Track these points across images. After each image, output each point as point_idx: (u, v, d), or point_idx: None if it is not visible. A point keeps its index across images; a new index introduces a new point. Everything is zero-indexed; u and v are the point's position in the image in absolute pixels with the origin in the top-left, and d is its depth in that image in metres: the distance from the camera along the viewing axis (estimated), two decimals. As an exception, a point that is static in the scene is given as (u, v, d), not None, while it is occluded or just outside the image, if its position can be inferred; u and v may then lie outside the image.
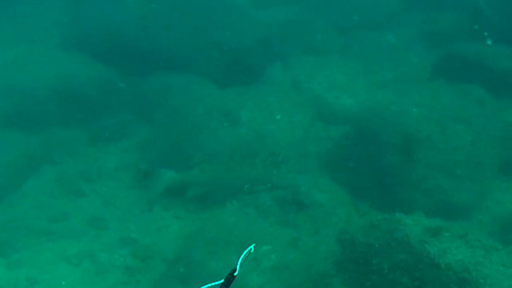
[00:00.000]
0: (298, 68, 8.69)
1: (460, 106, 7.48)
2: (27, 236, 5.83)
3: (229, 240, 5.28)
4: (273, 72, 8.52)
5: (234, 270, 1.02)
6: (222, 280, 1.00)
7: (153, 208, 6.84)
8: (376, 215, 5.51)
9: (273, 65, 8.64)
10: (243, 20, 8.77)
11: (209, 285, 1.01)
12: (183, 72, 8.11)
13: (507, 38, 10.40)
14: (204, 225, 6.00)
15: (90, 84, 7.79)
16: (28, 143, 7.20)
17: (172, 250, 5.76)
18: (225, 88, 7.83)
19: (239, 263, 1.06)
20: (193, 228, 6.10)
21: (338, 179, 6.56)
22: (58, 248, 5.71)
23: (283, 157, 6.81)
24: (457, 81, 8.60)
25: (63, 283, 5.29)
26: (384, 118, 7.42)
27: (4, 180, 6.54)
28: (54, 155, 7.42)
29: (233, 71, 8.27)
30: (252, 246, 1.18)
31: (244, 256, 1.12)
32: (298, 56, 9.06)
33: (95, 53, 8.29)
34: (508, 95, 8.20)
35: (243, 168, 6.73)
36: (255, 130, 7.22)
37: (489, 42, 10.86)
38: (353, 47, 9.73)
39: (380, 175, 6.36)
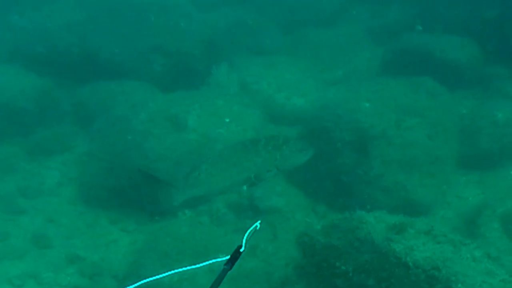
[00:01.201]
0: (245, 70, 8.63)
1: (413, 100, 7.42)
2: (-36, 259, 5.51)
3: (183, 251, 5.13)
4: (220, 74, 8.42)
5: (240, 247, 1.06)
6: (228, 257, 1.02)
7: (100, 222, 6.57)
8: (336, 215, 5.33)
9: (219, 67, 8.54)
10: (185, 22, 8.53)
11: (216, 260, 1.03)
12: (124, 78, 7.81)
13: (455, 29, 10.96)
14: (155, 237, 5.79)
15: (24, 95, 7.32)
16: (-40, 162, 6.73)
17: (122, 265, 5.57)
18: (170, 93, 7.57)
19: (244, 240, 1.08)
20: (143, 241, 5.89)
21: (294, 181, 6.44)
22: (-1, 270, 5.49)
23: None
24: (408, 74, 8.53)
25: (6, 307, 5.00)
26: (337, 115, 7.43)
27: None
28: (-11, 172, 6.97)
29: (177, 75, 8.08)
30: (258, 223, 1.20)
31: (249, 233, 1.13)
32: (245, 57, 9.00)
33: (27, 63, 7.82)
34: (460, 86, 8.43)
35: (192, 174, 6.62)
36: (203, 135, 7.06)
37: (437, 33, 11.37)
38: (300, 46, 9.73)
39: (336, 174, 6.27)
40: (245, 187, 5.07)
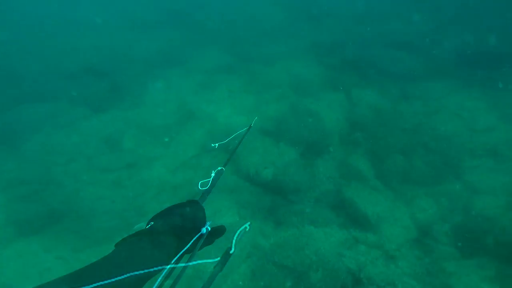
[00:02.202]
0: (183, 89, 8.72)
1: (357, 114, 8.30)
2: None
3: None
4: (156, 94, 8.49)
5: (230, 249, 1.03)
6: (219, 258, 1.01)
7: (32, 249, 6.39)
8: (283, 233, 5.39)
9: (155, 86, 8.61)
10: (118, 42, 8.46)
11: (206, 261, 1.00)
12: (53, 100, 7.60)
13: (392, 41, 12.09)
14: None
15: None
16: None
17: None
18: (104, 113, 7.55)
19: (234, 241, 1.06)
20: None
21: (240, 200, 6.35)
22: None
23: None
24: (351, 87, 9.41)
25: None
26: (281, 131, 8.01)
27: None
28: None
29: (110, 95, 8.02)
30: (247, 225, 1.16)
31: (238, 235, 1.10)
32: (182, 76, 9.08)
33: None
34: (406, 97, 9.21)
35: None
36: (141, 155, 7.22)
37: (378, 46, 12.44)
38: (241, 64, 9.95)
39: (280, 189, 6.43)
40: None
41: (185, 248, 0.93)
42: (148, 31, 9.75)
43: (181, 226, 0.95)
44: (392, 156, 6.74)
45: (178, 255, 0.88)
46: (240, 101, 8.87)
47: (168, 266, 0.84)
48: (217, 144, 1.76)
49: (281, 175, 6.51)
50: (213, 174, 1.41)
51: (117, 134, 7.09)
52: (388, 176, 6.56)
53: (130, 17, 10.10)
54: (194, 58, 9.61)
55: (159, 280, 0.79)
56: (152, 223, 0.96)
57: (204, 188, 1.32)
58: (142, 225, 1.05)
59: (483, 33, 12.76)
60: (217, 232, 1.02)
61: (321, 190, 6.54)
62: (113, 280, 0.64)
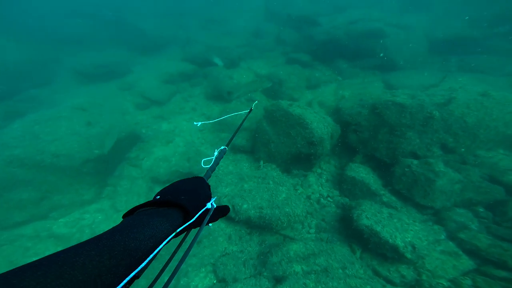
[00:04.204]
0: None
1: (346, 113, 7.29)
2: None
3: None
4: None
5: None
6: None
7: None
8: None
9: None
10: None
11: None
12: None
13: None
14: None
15: None
16: None
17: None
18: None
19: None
20: None
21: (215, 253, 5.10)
22: None
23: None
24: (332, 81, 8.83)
25: None
26: (257, 143, 6.59)
27: None
28: None
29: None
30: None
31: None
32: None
33: None
34: (391, 87, 8.40)
35: None
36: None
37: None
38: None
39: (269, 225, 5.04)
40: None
41: (191, 221, 0.86)
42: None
43: (188, 200, 0.90)
44: (401, 161, 5.38)
45: (183, 226, 0.83)
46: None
47: (172, 234, 0.78)
48: (199, 123, 1.73)
49: (267, 207, 4.79)
50: (216, 153, 1.42)
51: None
52: (401, 184, 5.20)
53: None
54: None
55: (159, 248, 0.72)
56: (158, 197, 0.92)
57: (207, 166, 1.34)
58: None
59: (453, 20, 12.65)
60: (222, 210, 0.97)
61: (323, 215, 4.99)
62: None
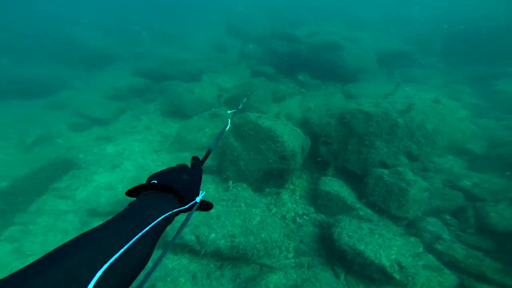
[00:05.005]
0: None
1: (314, 124, 7.18)
2: None
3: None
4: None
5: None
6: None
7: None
8: None
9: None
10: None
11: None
12: None
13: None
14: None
15: None
16: None
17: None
18: None
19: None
20: None
21: None
22: None
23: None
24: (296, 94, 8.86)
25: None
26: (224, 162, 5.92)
27: None
28: None
29: None
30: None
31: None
32: None
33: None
34: (351, 97, 8.76)
35: None
36: None
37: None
38: None
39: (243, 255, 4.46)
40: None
41: (184, 207, 0.94)
42: None
43: (183, 190, 0.96)
44: (372, 171, 5.23)
45: (175, 210, 0.88)
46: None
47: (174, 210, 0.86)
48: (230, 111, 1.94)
49: (240, 234, 4.16)
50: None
51: None
52: (375, 195, 5.04)
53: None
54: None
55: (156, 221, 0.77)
56: (155, 181, 0.97)
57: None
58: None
59: (389, 37, 13.87)
60: (206, 205, 1.05)
61: (300, 236, 4.52)
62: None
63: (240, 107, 2.14)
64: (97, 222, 5.15)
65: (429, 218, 4.91)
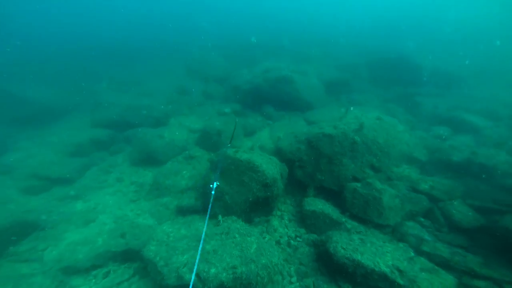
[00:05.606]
0: None
1: (286, 151, 7.34)
2: None
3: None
4: None
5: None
6: None
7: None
8: None
9: None
10: None
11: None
12: None
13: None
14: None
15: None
16: None
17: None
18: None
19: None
20: None
21: None
22: None
23: None
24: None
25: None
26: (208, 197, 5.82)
27: None
28: None
29: None
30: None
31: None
32: None
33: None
34: (310, 123, 9.33)
35: None
36: None
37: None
38: None
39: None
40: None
41: None
42: None
43: None
44: (347, 186, 5.81)
45: None
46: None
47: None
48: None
49: (241, 264, 4.19)
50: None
51: None
52: (355, 208, 5.49)
53: None
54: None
55: None
56: None
57: None
58: None
59: (330, 67, 15.95)
60: None
61: (298, 258, 4.67)
62: None
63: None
64: (76, 280, 4.63)
65: (407, 223, 5.39)
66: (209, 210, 3.60)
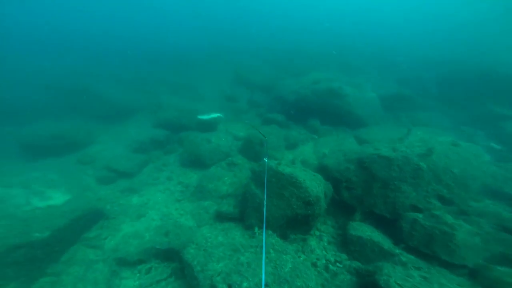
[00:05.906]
0: None
1: (333, 169, 7.33)
2: None
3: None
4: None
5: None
6: None
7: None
8: None
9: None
10: None
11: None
12: None
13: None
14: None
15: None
16: None
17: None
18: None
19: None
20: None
21: None
22: None
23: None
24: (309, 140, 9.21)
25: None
26: (246, 209, 5.88)
27: None
28: None
29: None
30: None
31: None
32: None
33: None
34: (363, 142, 8.84)
35: None
36: None
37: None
38: None
39: None
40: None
41: None
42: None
43: None
44: (404, 215, 5.14)
45: None
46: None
47: None
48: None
49: (273, 282, 4.00)
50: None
51: None
52: (415, 240, 4.77)
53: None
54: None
55: None
56: None
57: None
58: None
59: (388, 81, 14.58)
60: None
61: (337, 285, 4.28)
62: None
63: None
64: (125, 272, 5.02)
65: (499, 268, 4.34)
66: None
